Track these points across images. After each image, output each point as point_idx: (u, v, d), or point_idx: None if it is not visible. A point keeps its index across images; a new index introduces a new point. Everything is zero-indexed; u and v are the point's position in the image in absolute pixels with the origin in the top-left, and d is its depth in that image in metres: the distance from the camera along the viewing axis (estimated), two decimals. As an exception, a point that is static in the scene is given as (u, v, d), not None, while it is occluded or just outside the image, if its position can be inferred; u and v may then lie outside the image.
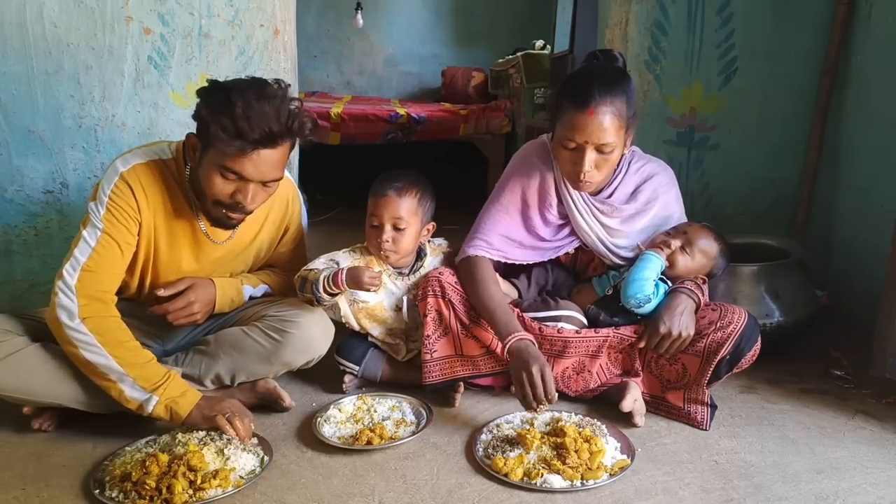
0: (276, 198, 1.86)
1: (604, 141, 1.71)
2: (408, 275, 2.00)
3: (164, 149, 1.75)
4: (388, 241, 1.90)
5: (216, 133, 1.54)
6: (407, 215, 1.91)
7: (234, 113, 1.52)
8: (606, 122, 1.70)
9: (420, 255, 2.03)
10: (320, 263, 1.89)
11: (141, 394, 1.59)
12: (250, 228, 1.87)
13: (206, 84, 1.62)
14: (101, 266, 1.63)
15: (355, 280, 1.78)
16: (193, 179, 1.69)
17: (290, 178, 1.97)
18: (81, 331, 1.58)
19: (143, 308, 1.81)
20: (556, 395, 1.67)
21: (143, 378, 1.59)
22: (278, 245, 1.99)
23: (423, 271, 2.00)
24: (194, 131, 1.64)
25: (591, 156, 1.74)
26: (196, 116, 1.62)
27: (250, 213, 1.70)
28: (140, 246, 1.72)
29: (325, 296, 1.80)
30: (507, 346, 1.73)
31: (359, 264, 1.92)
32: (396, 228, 1.91)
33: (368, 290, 1.83)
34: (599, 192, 1.93)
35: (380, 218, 1.90)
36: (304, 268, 1.89)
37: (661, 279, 1.86)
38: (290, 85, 1.66)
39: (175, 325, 1.79)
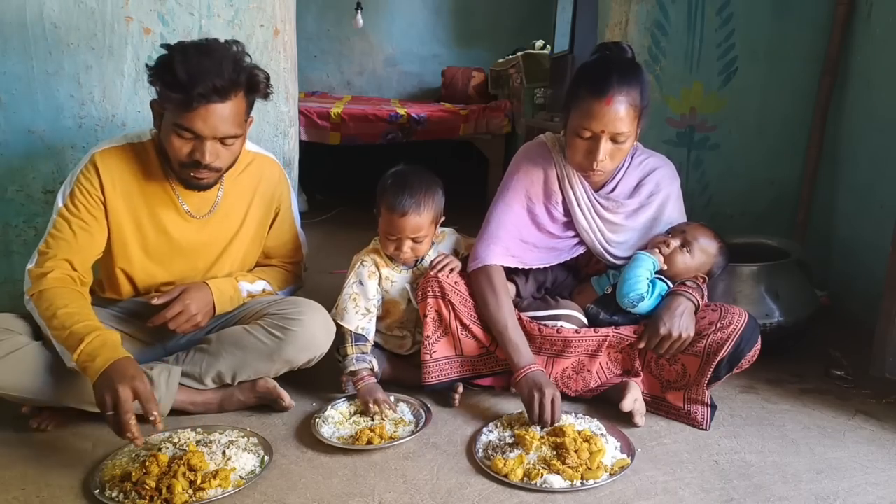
0: (262, 177, 1.91)
1: (619, 130, 1.72)
2: (417, 264, 2.01)
3: (143, 132, 1.80)
4: (407, 252, 1.91)
5: (162, 91, 1.59)
6: (425, 227, 1.90)
7: (175, 68, 1.55)
8: (623, 111, 1.71)
9: None
10: (349, 305, 1.91)
11: (68, 359, 1.57)
12: (237, 207, 1.88)
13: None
14: (52, 249, 1.69)
15: (362, 399, 1.83)
16: (160, 147, 1.72)
17: (277, 161, 1.99)
18: (31, 308, 1.66)
19: (146, 307, 1.81)
20: (562, 417, 1.72)
21: (67, 343, 1.56)
22: (271, 228, 1.99)
23: (428, 259, 2.00)
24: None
25: (606, 145, 1.74)
26: (149, 81, 1.65)
27: (217, 171, 1.70)
28: (112, 229, 1.74)
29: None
30: (520, 378, 1.75)
31: (375, 284, 1.95)
32: (415, 241, 1.91)
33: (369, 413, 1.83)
34: (602, 186, 1.93)
35: (398, 234, 1.89)
36: (336, 317, 1.90)
37: (661, 279, 1.86)
38: (240, 43, 1.67)
39: (180, 332, 1.79)
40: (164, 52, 1.62)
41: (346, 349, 1.89)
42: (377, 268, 1.97)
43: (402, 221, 1.86)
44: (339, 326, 1.89)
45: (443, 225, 2.02)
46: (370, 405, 1.79)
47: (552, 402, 1.68)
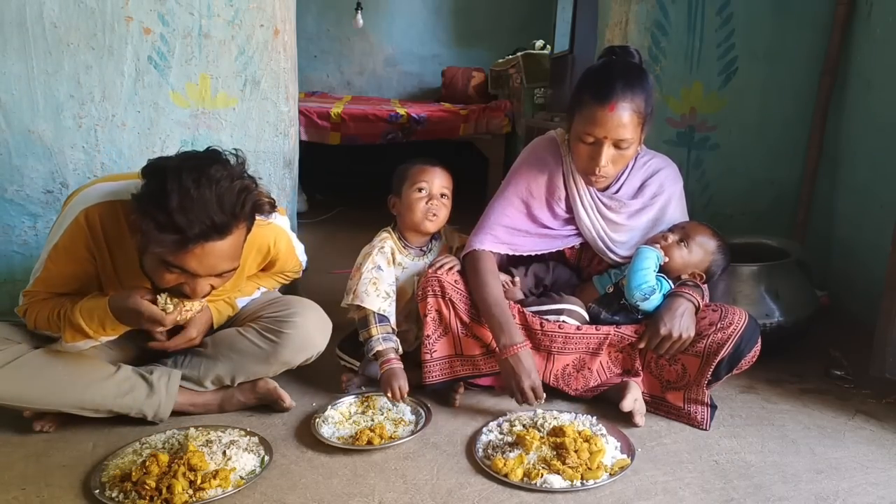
0: (251, 246, 1.66)
1: (622, 137, 1.72)
2: (426, 253, 2.04)
3: (139, 183, 1.50)
4: (433, 215, 1.96)
5: (149, 230, 1.35)
6: (449, 189, 2.00)
7: (169, 206, 1.32)
8: (626, 117, 1.71)
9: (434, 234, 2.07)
10: (369, 288, 1.87)
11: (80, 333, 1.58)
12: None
13: (147, 164, 1.44)
14: (40, 294, 1.63)
15: (385, 384, 1.80)
16: (141, 261, 1.51)
17: (275, 222, 1.77)
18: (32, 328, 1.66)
19: None
20: (545, 395, 1.75)
21: (68, 325, 1.57)
22: (267, 266, 1.90)
23: (436, 248, 2.06)
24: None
25: (608, 151, 1.75)
26: (134, 209, 1.40)
27: (209, 294, 1.55)
28: (100, 273, 1.64)
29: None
30: (502, 357, 1.75)
31: (393, 270, 1.96)
32: (442, 196, 1.98)
33: (388, 399, 1.82)
34: (608, 187, 1.93)
35: (430, 185, 1.96)
36: (355, 300, 1.86)
37: (663, 278, 1.86)
38: (244, 159, 1.49)
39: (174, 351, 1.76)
40: (153, 174, 1.37)
41: (369, 331, 1.85)
42: (392, 254, 1.99)
43: (433, 172, 1.98)
44: (359, 309, 1.86)
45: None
46: (389, 392, 1.78)
47: (532, 388, 1.72)
